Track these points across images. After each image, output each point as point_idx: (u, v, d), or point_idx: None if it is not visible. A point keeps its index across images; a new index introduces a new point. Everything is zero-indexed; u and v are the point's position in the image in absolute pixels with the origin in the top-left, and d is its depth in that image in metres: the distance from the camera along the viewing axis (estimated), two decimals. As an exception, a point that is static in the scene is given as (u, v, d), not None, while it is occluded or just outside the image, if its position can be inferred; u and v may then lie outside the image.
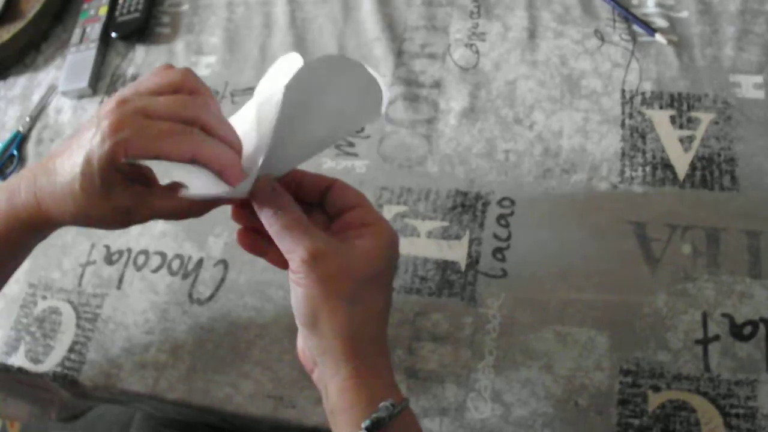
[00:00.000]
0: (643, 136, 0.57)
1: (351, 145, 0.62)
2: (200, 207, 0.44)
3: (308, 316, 0.40)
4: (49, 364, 0.57)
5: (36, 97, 0.74)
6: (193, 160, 0.40)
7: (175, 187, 0.43)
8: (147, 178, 0.44)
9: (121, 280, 0.60)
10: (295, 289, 0.41)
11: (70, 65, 0.73)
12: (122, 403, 0.60)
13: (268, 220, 0.41)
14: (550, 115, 0.60)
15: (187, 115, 0.40)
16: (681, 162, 0.55)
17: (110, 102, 0.40)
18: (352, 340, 0.40)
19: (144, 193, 0.42)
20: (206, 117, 0.41)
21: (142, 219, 0.43)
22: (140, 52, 0.74)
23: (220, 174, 0.41)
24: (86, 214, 0.42)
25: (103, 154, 0.39)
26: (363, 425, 0.38)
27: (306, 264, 0.40)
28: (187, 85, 0.42)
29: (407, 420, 0.41)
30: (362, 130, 0.62)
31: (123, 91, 0.42)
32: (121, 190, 0.41)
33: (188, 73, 0.43)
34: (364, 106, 0.44)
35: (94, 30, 0.74)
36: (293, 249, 0.40)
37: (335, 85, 0.41)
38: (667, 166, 0.55)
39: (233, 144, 0.42)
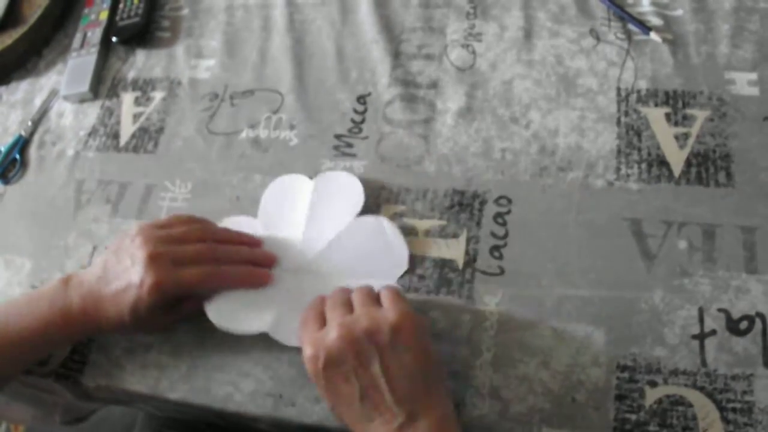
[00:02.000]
0: (638, 134, 0.57)
1: (349, 145, 0.62)
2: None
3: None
4: (52, 365, 0.58)
5: (38, 102, 0.74)
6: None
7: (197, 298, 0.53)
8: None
9: (122, 282, 0.60)
10: None
11: (71, 70, 0.73)
12: (124, 404, 0.60)
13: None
14: (546, 114, 0.60)
15: (211, 257, 0.52)
16: (676, 159, 0.56)
17: (142, 249, 0.51)
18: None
19: (179, 311, 0.53)
20: (227, 260, 0.53)
21: (179, 321, 0.55)
22: (141, 56, 0.74)
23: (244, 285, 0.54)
24: (134, 331, 0.55)
25: (149, 303, 0.50)
26: None
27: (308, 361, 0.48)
28: (207, 235, 0.54)
29: None
30: (360, 131, 0.63)
31: (153, 239, 0.52)
32: (161, 317, 0.52)
33: (205, 226, 0.55)
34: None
35: (95, 35, 0.75)
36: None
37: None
38: (663, 163, 0.56)
39: (259, 259, 0.55)
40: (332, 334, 0.45)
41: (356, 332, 0.45)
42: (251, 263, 0.54)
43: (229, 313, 0.52)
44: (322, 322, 0.47)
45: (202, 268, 0.51)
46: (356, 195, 0.58)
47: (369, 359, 0.44)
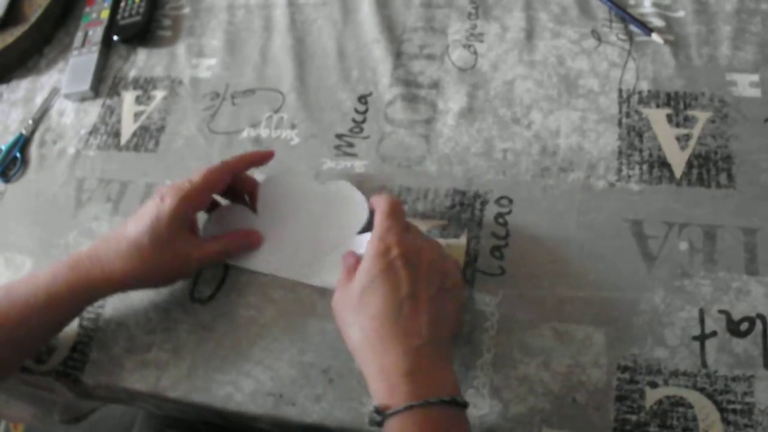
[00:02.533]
0: (640, 135, 0.57)
1: (350, 145, 0.62)
2: (237, 247, 0.57)
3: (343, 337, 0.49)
4: (53, 363, 0.58)
5: (39, 100, 0.74)
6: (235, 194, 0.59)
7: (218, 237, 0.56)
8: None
9: (123, 280, 0.60)
10: None
11: (72, 68, 0.73)
12: (124, 402, 0.60)
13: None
14: (547, 115, 0.60)
15: (219, 181, 0.55)
16: (678, 160, 0.56)
17: (160, 189, 0.54)
18: (359, 353, 0.47)
19: (198, 241, 0.55)
20: (232, 170, 0.56)
21: (195, 264, 0.55)
22: (142, 54, 0.74)
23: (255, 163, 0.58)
24: (149, 267, 0.52)
25: (170, 208, 0.51)
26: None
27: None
28: (227, 174, 0.56)
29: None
30: (361, 131, 0.63)
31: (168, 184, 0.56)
32: (182, 239, 0.53)
33: (224, 165, 0.56)
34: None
35: (96, 33, 0.75)
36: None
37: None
38: (664, 164, 0.56)
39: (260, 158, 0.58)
40: (419, 242, 0.49)
41: (438, 261, 0.48)
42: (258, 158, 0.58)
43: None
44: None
45: (214, 171, 0.55)
46: (361, 212, 0.57)
47: (432, 283, 0.47)
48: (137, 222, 0.52)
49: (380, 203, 0.51)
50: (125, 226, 0.53)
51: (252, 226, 0.58)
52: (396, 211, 0.50)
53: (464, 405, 0.44)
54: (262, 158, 0.58)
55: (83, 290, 0.52)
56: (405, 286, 0.46)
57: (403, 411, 0.42)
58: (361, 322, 0.46)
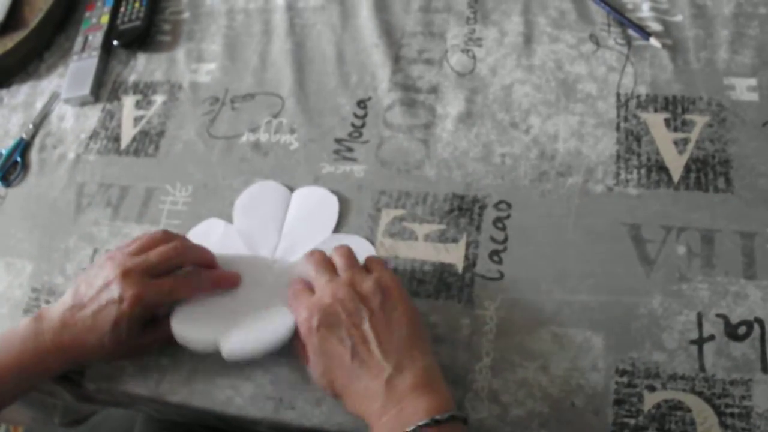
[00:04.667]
0: (638, 139, 0.58)
1: (349, 150, 0.63)
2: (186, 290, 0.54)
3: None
4: (52, 367, 0.58)
5: (39, 105, 0.74)
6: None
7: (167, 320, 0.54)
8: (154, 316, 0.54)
9: (123, 285, 0.60)
10: None
11: (72, 73, 0.74)
12: (124, 406, 0.60)
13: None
14: (545, 119, 0.60)
15: (178, 261, 0.53)
16: (676, 164, 0.56)
17: (114, 270, 0.51)
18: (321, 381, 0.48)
19: (155, 331, 0.53)
20: (190, 256, 0.54)
21: (152, 347, 0.55)
22: (141, 59, 0.74)
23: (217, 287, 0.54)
24: (111, 356, 0.54)
25: (131, 317, 0.50)
26: None
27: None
28: (166, 239, 0.54)
29: None
30: (360, 135, 0.63)
31: (121, 259, 0.52)
32: (140, 335, 0.52)
33: (164, 233, 0.55)
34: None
35: (96, 38, 0.75)
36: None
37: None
38: (662, 168, 0.56)
39: (208, 258, 0.55)
40: (326, 296, 0.48)
41: (348, 293, 0.48)
42: (207, 260, 0.55)
43: (191, 325, 0.53)
44: (312, 290, 0.50)
45: (175, 276, 0.53)
46: (332, 212, 0.58)
47: (360, 318, 0.47)
48: (96, 320, 0.51)
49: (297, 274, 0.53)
50: (80, 316, 0.51)
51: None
52: (297, 282, 0.52)
53: (446, 420, 0.43)
54: (221, 284, 0.55)
55: (53, 372, 0.53)
56: (345, 344, 0.46)
57: None
58: (342, 393, 0.47)
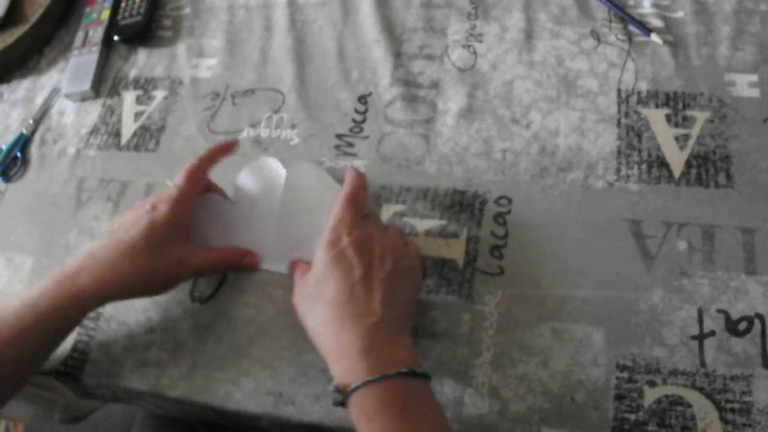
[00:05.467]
0: (638, 135, 0.58)
1: (350, 145, 0.62)
2: (234, 263, 0.56)
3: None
4: (53, 363, 0.58)
5: (39, 100, 0.74)
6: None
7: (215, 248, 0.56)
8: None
9: (123, 280, 0.60)
10: None
11: (72, 68, 0.74)
12: (124, 401, 0.60)
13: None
14: (546, 115, 0.60)
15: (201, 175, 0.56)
16: (676, 160, 0.56)
17: (147, 201, 0.54)
18: (317, 338, 0.48)
19: (193, 249, 0.54)
20: (207, 165, 0.57)
21: (191, 272, 0.55)
22: (142, 54, 0.74)
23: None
24: (144, 273, 0.52)
25: (165, 214, 0.52)
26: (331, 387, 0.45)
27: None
28: (204, 167, 0.57)
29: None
30: (361, 130, 0.63)
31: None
32: (179, 245, 0.53)
33: (199, 161, 0.57)
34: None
35: (97, 33, 0.75)
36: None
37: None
38: (663, 164, 0.56)
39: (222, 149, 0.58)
40: (368, 227, 0.50)
41: (389, 244, 0.50)
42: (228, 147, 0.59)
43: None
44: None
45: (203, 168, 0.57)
46: (329, 187, 0.58)
47: (383, 263, 0.48)
48: (129, 230, 0.52)
49: (343, 190, 0.53)
50: (114, 236, 0.52)
51: (231, 216, 0.59)
52: (352, 201, 0.52)
53: (424, 375, 0.45)
54: (228, 147, 0.59)
55: (72, 304, 0.51)
56: (357, 270, 0.47)
57: (362, 386, 0.43)
58: (316, 309, 0.48)
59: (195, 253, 0.54)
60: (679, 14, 0.63)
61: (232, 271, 0.58)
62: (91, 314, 0.59)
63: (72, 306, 0.51)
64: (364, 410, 0.43)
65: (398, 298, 0.48)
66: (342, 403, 0.44)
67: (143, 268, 0.52)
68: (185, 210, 0.54)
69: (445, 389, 0.50)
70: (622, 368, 0.49)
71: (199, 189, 0.57)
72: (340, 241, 0.49)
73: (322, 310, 0.48)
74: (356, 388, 0.43)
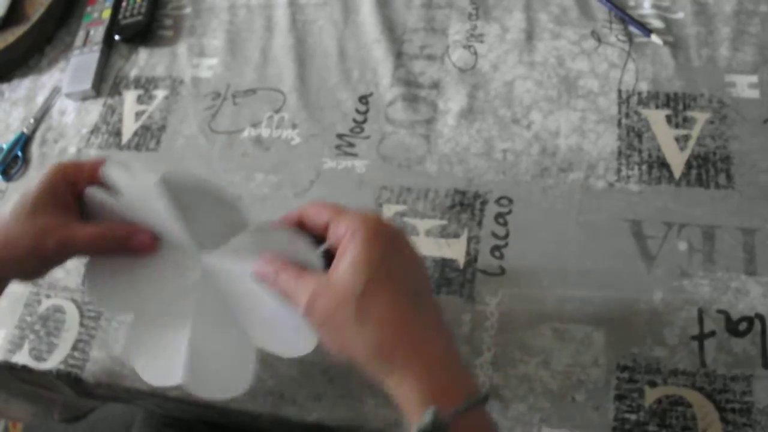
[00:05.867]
0: (639, 136, 0.58)
1: (351, 145, 0.63)
2: (117, 243, 0.46)
3: (339, 355, 0.40)
4: (53, 361, 0.58)
5: (40, 99, 0.74)
6: None
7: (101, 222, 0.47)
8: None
9: (123, 279, 0.60)
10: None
11: (73, 67, 0.74)
12: (125, 401, 0.60)
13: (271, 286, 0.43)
14: (547, 115, 0.60)
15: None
16: (677, 160, 0.56)
17: None
18: (379, 356, 0.38)
19: (69, 221, 0.46)
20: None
21: (55, 245, 0.45)
22: (143, 54, 0.74)
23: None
24: (4, 241, 0.45)
25: (42, 176, 0.45)
26: None
27: (307, 314, 0.40)
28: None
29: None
30: (362, 131, 0.63)
31: None
32: (47, 213, 0.45)
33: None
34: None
35: (98, 33, 0.75)
36: (296, 304, 0.41)
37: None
38: (663, 164, 0.56)
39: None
40: (373, 215, 0.41)
41: (391, 223, 0.42)
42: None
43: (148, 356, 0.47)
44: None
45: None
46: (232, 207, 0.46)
47: (401, 246, 0.41)
48: (18, 202, 0.46)
49: (316, 213, 0.43)
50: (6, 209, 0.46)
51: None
52: (330, 206, 0.43)
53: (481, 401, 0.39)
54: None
55: None
56: (408, 273, 0.41)
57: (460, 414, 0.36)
58: (368, 330, 0.39)
59: (65, 225, 0.45)
60: (680, 15, 0.63)
61: (122, 251, 0.47)
62: (92, 313, 0.59)
63: None
64: None
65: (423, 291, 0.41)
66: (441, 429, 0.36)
67: (3, 235, 0.45)
68: (67, 177, 0.46)
69: (446, 389, 0.50)
70: (623, 368, 0.49)
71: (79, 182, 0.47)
72: (377, 233, 0.40)
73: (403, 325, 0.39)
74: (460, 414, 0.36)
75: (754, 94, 0.58)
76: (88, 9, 0.78)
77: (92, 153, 0.69)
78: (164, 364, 0.45)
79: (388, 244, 0.40)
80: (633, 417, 0.47)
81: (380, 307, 0.39)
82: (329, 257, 0.42)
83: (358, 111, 0.64)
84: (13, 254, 0.45)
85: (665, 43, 0.61)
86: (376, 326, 0.38)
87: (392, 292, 0.39)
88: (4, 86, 0.77)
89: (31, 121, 0.73)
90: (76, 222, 0.46)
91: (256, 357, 0.45)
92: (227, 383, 0.45)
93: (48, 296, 0.61)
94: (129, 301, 0.48)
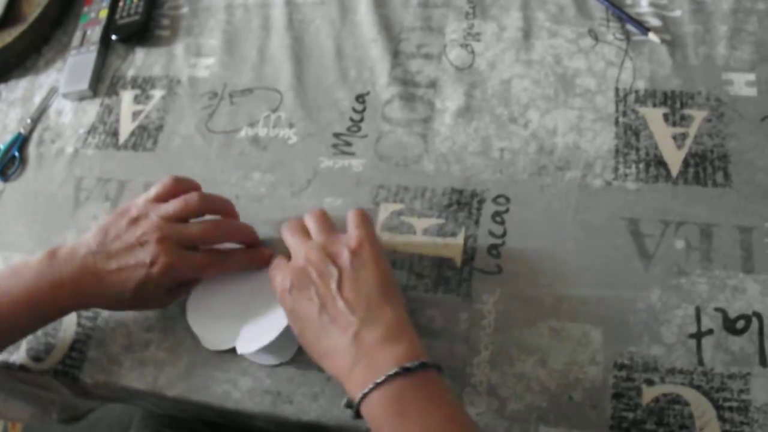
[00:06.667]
0: (636, 134, 0.58)
1: (348, 144, 0.62)
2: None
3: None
4: (51, 362, 0.58)
5: (37, 100, 0.74)
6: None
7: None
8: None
9: (121, 279, 0.60)
10: None
11: (70, 68, 0.74)
12: (122, 401, 0.60)
13: None
14: (544, 114, 0.60)
15: (218, 240, 0.54)
16: (674, 159, 0.56)
17: (151, 233, 0.51)
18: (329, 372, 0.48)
19: (175, 295, 0.55)
20: (229, 237, 0.55)
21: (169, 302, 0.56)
22: (140, 54, 0.74)
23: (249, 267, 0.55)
24: (126, 309, 0.56)
25: (158, 283, 0.51)
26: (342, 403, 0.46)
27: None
28: (205, 208, 0.54)
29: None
30: (359, 129, 0.63)
31: (157, 221, 0.52)
32: (163, 297, 0.54)
33: (204, 198, 0.54)
34: None
35: (95, 33, 0.75)
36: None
37: None
38: (661, 163, 0.56)
39: (251, 238, 0.55)
40: (299, 259, 0.50)
41: (319, 254, 0.49)
42: (249, 239, 0.55)
43: (208, 324, 0.54)
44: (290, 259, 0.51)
45: (209, 253, 0.54)
46: None
47: (329, 277, 0.47)
48: (120, 276, 0.51)
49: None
50: (103, 278, 0.51)
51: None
52: (279, 256, 0.53)
53: (416, 368, 0.43)
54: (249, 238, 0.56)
55: (63, 311, 0.53)
56: (314, 302, 0.47)
57: (362, 400, 0.43)
58: (319, 355, 0.48)
59: (176, 297, 0.55)
60: (677, 13, 0.63)
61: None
62: (89, 313, 0.59)
63: (42, 317, 0.53)
64: (372, 422, 0.44)
65: (363, 290, 0.47)
66: (358, 416, 0.45)
67: (124, 307, 0.55)
68: (180, 277, 0.53)
69: (443, 388, 0.50)
70: (620, 367, 0.49)
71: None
72: (283, 286, 0.49)
73: (308, 331, 0.48)
74: (359, 403, 0.43)
75: (752, 92, 0.58)
76: (85, 9, 0.78)
77: (89, 153, 0.68)
78: (221, 331, 0.53)
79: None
80: (630, 415, 0.47)
81: (306, 338, 0.49)
82: None
83: (355, 110, 0.64)
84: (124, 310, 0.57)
85: (662, 41, 0.61)
86: (313, 347, 0.49)
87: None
88: (1, 87, 0.77)
89: (28, 121, 0.73)
90: (179, 289, 0.55)
91: (284, 334, 0.51)
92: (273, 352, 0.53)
93: (45, 296, 0.61)
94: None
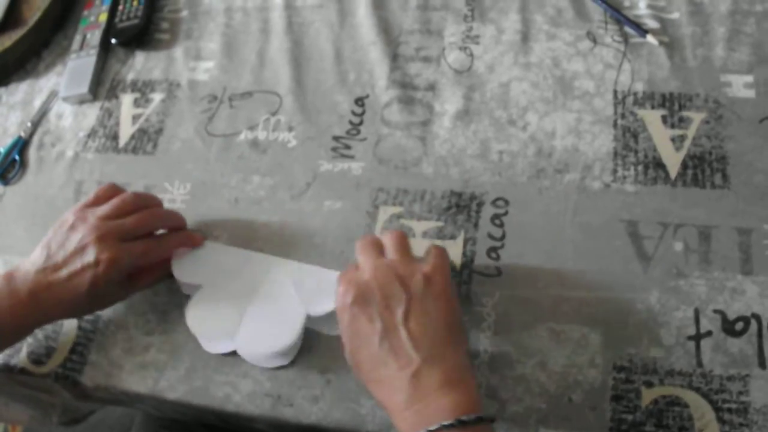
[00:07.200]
0: (635, 136, 0.58)
1: (347, 147, 0.63)
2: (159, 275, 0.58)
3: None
4: (51, 365, 0.58)
5: (37, 103, 0.74)
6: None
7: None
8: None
9: (121, 283, 0.60)
10: None
11: (70, 71, 0.74)
12: (123, 404, 0.60)
13: None
14: (543, 116, 0.60)
15: (153, 227, 0.57)
16: (673, 161, 0.56)
17: (89, 234, 0.53)
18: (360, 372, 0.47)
19: (131, 284, 0.56)
20: (161, 223, 0.57)
21: (127, 295, 0.57)
22: (140, 58, 0.74)
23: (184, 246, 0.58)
24: (89, 312, 0.58)
25: (107, 279, 0.52)
26: None
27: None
28: (140, 204, 0.57)
29: None
30: (358, 133, 0.63)
31: (94, 222, 0.54)
32: (118, 290, 0.55)
33: (138, 195, 0.57)
34: None
35: (95, 36, 0.75)
36: None
37: None
38: (659, 165, 0.56)
39: (181, 223, 0.59)
40: (366, 273, 0.47)
41: (389, 275, 0.46)
42: (180, 224, 0.59)
43: (206, 323, 0.55)
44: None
45: (146, 240, 0.56)
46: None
47: (396, 303, 0.45)
48: (71, 281, 0.52)
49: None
50: (55, 289, 0.52)
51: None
52: (350, 265, 0.51)
53: (472, 422, 0.42)
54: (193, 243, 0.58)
55: (26, 329, 0.55)
56: (375, 326, 0.45)
57: None
58: (367, 378, 0.46)
59: (131, 286, 0.56)
60: (675, 15, 0.63)
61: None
62: (90, 317, 0.59)
63: (5, 339, 0.54)
64: None
65: (430, 326, 0.45)
66: None
67: (85, 311, 0.57)
68: (125, 267, 0.54)
69: (443, 390, 0.50)
70: (619, 369, 0.49)
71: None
72: (345, 301, 0.47)
73: (367, 377, 0.46)
74: None
75: (750, 93, 0.58)
76: (85, 13, 0.78)
77: (89, 156, 0.69)
78: (220, 333, 0.54)
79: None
80: (630, 417, 0.47)
81: (362, 362, 0.47)
82: None
83: (354, 113, 0.64)
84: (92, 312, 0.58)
85: (661, 43, 0.62)
86: (366, 374, 0.47)
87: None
88: (2, 90, 0.77)
89: (29, 124, 0.73)
90: (137, 280, 0.57)
91: (299, 336, 0.52)
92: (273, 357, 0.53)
93: (46, 300, 0.61)
94: (199, 274, 0.57)
